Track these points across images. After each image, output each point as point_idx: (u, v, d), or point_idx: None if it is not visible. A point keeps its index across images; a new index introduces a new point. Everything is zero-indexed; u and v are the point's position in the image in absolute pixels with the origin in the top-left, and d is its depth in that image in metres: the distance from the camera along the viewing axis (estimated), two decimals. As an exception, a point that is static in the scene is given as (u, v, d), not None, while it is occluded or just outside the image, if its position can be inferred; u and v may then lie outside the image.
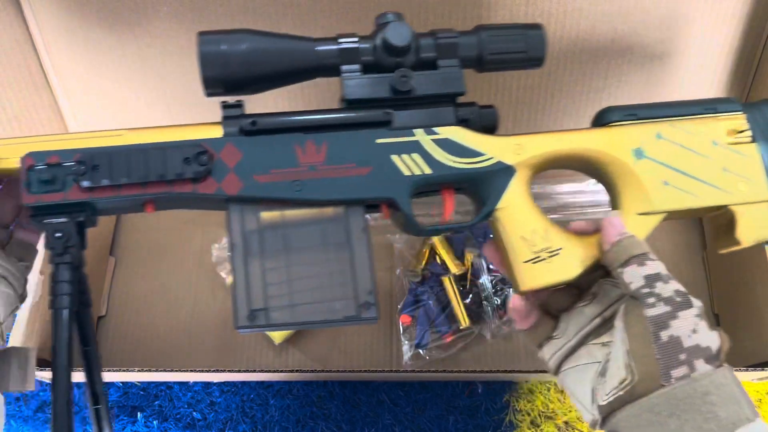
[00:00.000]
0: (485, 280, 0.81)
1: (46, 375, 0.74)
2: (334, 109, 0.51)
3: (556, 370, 0.50)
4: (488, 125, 0.52)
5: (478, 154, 0.50)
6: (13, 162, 0.47)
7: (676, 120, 0.52)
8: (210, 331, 0.85)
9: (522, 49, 0.51)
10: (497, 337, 0.81)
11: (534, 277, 0.50)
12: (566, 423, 0.79)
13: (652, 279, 0.44)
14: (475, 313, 0.81)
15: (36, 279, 0.74)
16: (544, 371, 0.73)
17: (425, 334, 0.81)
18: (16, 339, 0.71)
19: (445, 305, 0.81)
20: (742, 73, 0.73)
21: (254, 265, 0.48)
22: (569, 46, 0.70)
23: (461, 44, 0.50)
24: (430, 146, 0.50)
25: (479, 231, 0.85)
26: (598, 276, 0.50)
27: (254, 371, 0.72)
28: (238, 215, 0.48)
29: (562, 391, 0.81)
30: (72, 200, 0.46)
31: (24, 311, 0.73)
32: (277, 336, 0.82)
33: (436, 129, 0.50)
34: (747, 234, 0.52)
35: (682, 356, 0.41)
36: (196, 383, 0.83)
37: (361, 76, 0.50)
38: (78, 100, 0.76)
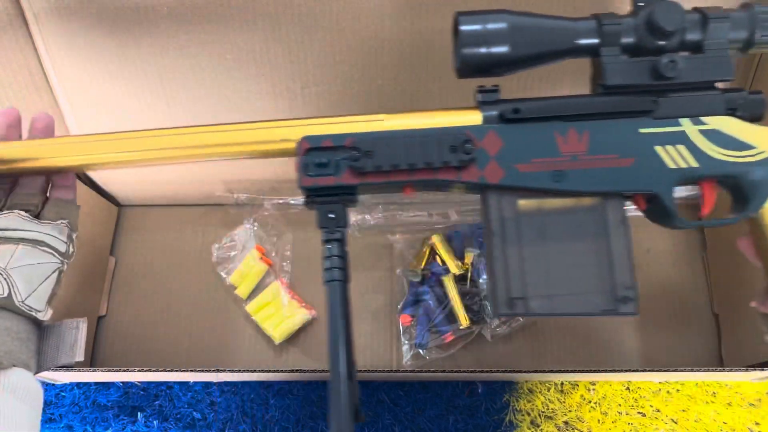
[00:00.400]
0: (485, 279, 0.81)
1: (47, 375, 0.74)
2: (591, 94, 0.49)
3: None
4: (756, 114, 0.48)
5: (749, 147, 0.47)
6: (291, 144, 0.49)
7: None
8: (210, 331, 0.85)
9: None
10: (497, 337, 0.81)
11: None
12: (566, 423, 0.79)
13: None
14: (475, 313, 0.81)
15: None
16: (544, 371, 0.73)
17: (425, 334, 0.81)
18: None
19: (445, 305, 0.81)
20: (742, 73, 0.73)
21: (512, 253, 0.47)
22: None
23: (731, 23, 0.47)
24: (697, 137, 0.47)
25: (479, 231, 0.85)
26: None
27: (254, 371, 0.72)
28: (496, 202, 0.48)
29: (561, 391, 0.81)
30: (345, 184, 0.48)
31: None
32: (277, 336, 0.82)
33: (703, 119, 0.47)
34: None
35: None
36: (196, 383, 0.83)
37: (621, 60, 0.47)
38: (78, 100, 0.75)
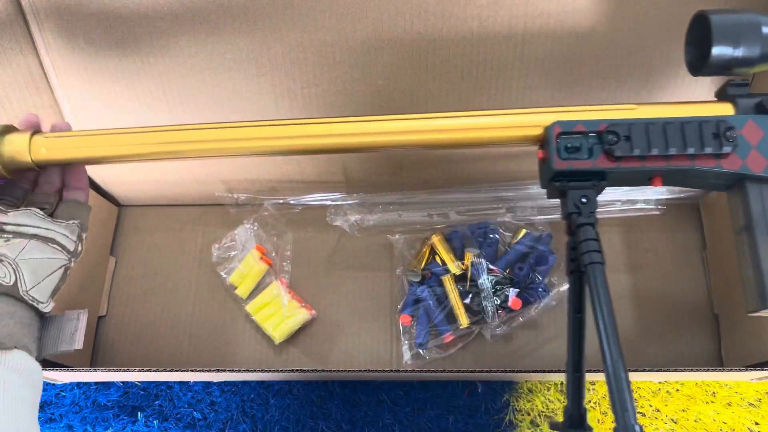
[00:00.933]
0: (485, 280, 0.81)
1: (47, 375, 0.74)
2: None
3: None
4: None
5: None
6: (538, 130, 0.50)
7: None
8: (210, 331, 0.85)
9: None
10: (497, 337, 0.81)
11: None
12: (566, 423, 0.79)
13: None
14: (475, 313, 0.81)
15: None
16: (544, 371, 0.73)
17: (425, 334, 0.81)
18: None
19: (445, 305, 0.81)
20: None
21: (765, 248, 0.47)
22: (569, 47, 0.70)
23: None
24: None
25: (479, 231, 0.85)
26: None
27: (254, 371, 0.72)
28: (758, 194, 0.47)
29: (561, 391, 0.81)
30: (599, 168, 0.48)
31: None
32: (277, 336, 0.82)
33: None
34: None
35: None
36: (196, 383, 0.83)
37: None
38: (78, 100, 0.76)
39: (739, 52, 0.47)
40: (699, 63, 0.49)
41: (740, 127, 0.48)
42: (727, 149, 0.47)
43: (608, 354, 0.44)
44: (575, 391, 0.52)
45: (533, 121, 0.50)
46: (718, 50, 0.47)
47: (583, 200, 0.48)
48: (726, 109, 0.49)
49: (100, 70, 0.72)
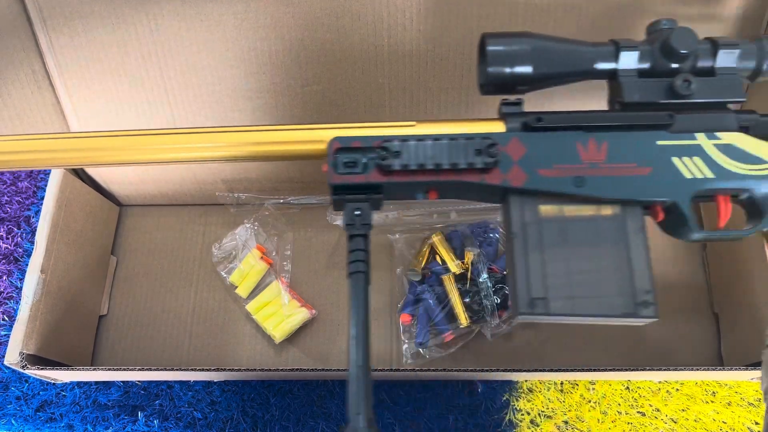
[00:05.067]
0: (485, 279, 0.81)
1: (48, 374, 0.74)
2: (611, 110, 0.52)
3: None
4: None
5: (762, 162, 0.49)
6: (322, 145, 0.51)
7: None
8: (210, 331, 0.85)
9: None
10: (497, 336, 0.81)
11: None
12: (566, 422, 0.79)
13: None
14: (475, 312, 0.81)
15: (36, 278, 0.74)
16: (544, 371, 0.73)
17: (425, 333, 0.81)
18: (16, 338, 0.72)
19: (445, 304, 0.81)
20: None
21: (533, 256, 0.49)
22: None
23: (741, 53, 0.50)
24: (712, 150, 0.49)
25: (479, 230, 0.85)
26: None
27: (254, 370, 0.72)
28: (518, 207, 0.50)
29: (561, 391, 0.81)
30: (372, 182, 0.50)
31: (25, 311, 0.73)
32: (278, 335, 0.82)
33: (718, 134, 0.50)
34: None
35: None
36: (196, 382, 0.83)
37: (639, 80, 0.51)
38: (80, 98, 0.76)
39: (513, 72, 0.50)
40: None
41: (504, 144, 0.50)
42: (489, 164, 0.49)
43: (354, 360, 0.47)
44: (365, 397, 0.49)
45: (317, 136, 0.52)
46: (493, 70, 0.50)
47: (357, 213, 0.50)
48: (499, 127, 0.51)
49: (102, 69, 0.73)
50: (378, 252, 0.88)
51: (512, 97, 0.52)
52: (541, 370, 0.73)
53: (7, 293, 0.90)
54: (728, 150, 0.49)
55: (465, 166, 0.49)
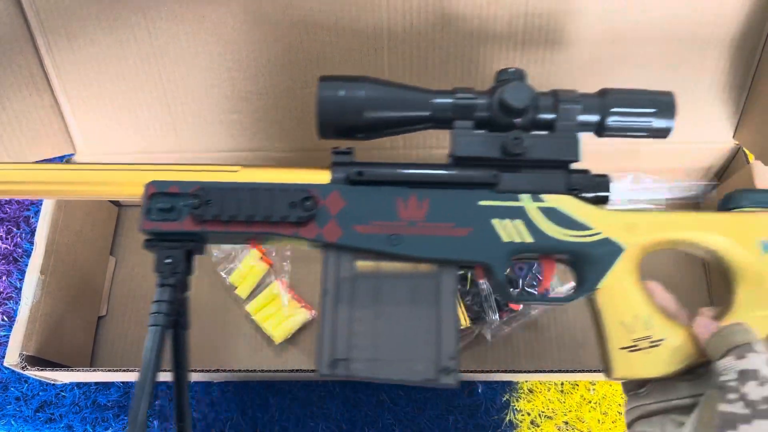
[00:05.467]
0: (486, 281, 0.81)
1: (47, 375, 0.74)
2: (441, 164, 0.50)
3: (629, 425, 0.48)
4: (601, 196, 0.49)
5: (586, 228, 0.48)
6: (136, 188, 0.49)
7: None
8: (210, 331, 0.85)
9: (648, 117, 0.49)
10: (497, 337, 0.81)
11: (629, 366, 0.47)
12: (566, 423, 0.79)
13: (746, 376, 0.40)
14: (476, 313, 0.81)
15: (36, 279, 0.74)
16: (544, 371, 0.73)
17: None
18: (16, 339, 0.71)
19: (445, 305, 0.81)
20: (742, 74, 0.73)
21: (343, 313, 0.48)
22: (569, 47, 0.70)
23: (583, 107, 0.48)
24: (535, 214, 0.48)
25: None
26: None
27: (254, 371, 0.72)
28: (335, 261, 0.49)
29: (562, 391, 0.81)
30: (186, 230, 0.48)
31: (24, 312, 0.73)
32: (277, 336, 0.82)
33: (543, 196, 0.48)
34: None
35: None
36: (196, 383, 0.83)
37: (472, 133, 0.49)
38: (78, 101, 0.76)
39: (344, 119, 0.48)
40: None
41: (325, 197, 0.48)
42: (303, 218, 0.48)
43: (138, 409, 0.47)
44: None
45: (135, 179, 0.49)
46: (324, 115, 0.48)
47: (168, 261, 0.48)
48: (325, 177, 0.49)
49: (101, 71, 0.72)
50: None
51: (344, 146, 0.50)
52: (541, 371, 0.73)
53: (6, 294, 0.90)
54: (551, 214, 0.48)
55: (278, 219, 0.48)
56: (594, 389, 0.81)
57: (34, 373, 0.73)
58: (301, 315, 0.83)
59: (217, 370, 0.73)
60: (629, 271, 0.48)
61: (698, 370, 0.46)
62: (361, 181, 0.49)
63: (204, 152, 0.79)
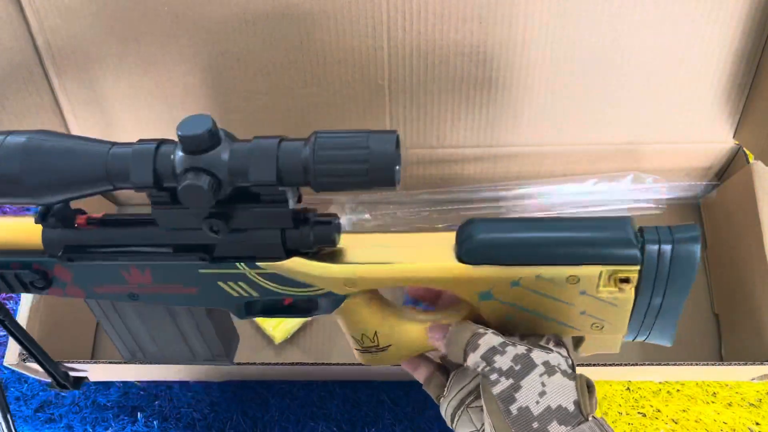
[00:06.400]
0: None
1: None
2: (156, 229, 0.45)
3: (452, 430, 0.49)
4: (324, 244, 0.46)
5: (307, 286, 0.47)
6: None
7: (546, 267, 0.43)
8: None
9: (364, 167, 0.38)
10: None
11: (364, 359, 0.54)
12: (566, 423, 0.79)
13: (489, 356, 0.42)
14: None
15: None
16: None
17: (425, 334, 0.80)
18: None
19: (445, 305, 0.81)
20: (742, 74, 0.73)
21: (120, 327, 0.53)
22: (567, 48, 0.70)
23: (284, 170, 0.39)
24: (255, 278, 0.47)
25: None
26: None
27: (254, 364, 0.72)
28: (93, 301, 0.52)
29: (562, 391, 0.81)
30: None
31: (24, 311, 0.73)
32: (277, 336, 0.82)
33: (260, 264, 0.46)
34: (588, 350, 0.50)
35: (534, 425, 0.40)
36: (196, 383, 0.83)
37: (171, 207, 0.43)
38: (78, 100, 0.76)
39: None
40: None
41: (51, 269, 0.48)
42: (43, 288, 0.49)
43: None
44: None
45: None
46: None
47: None
48: (39, 244, 0.47)
49: (101, 70, 0.72)
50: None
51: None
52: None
53: (6, 293, 0.90)
54: (272, 277, 0.47)
55: (27, 284, 0.49)
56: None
57: (34, 372, 0.73)
58: (301, 315, 0.83)
59: (217, 370, 0.73)
60: (356, 304, 0.49)
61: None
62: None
63: (204, 152, 0.79)
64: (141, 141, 0.41)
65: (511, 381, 0.41)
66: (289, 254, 0.46)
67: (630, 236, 0.42)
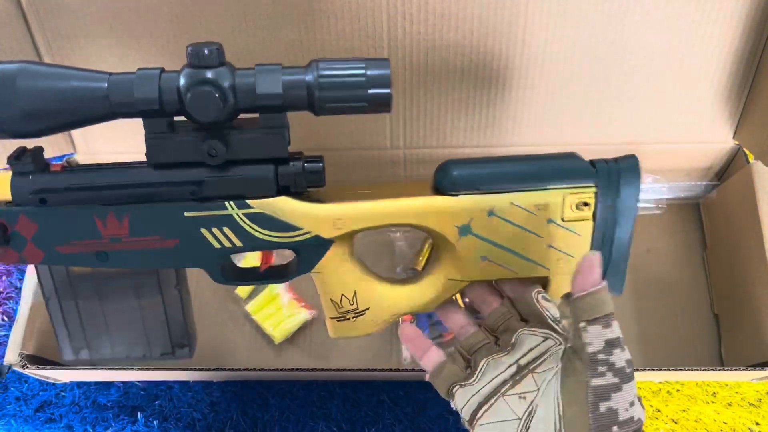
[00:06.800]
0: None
1: (47, 374, 0.74)
2: (142, 169, 0.45)
3: (471, 421, 0.47)
4: (314, 183, 0.47)
5: (294, 229, 0.47)
6: None
7: (518, 194, 0.48)
8: (210, 331, 0.85)
9: (363, 88, 0.42)
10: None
11: (338, 331, 0.54)
12: (566, 423, 0.79)
13: (611, 345, 0.41)
14: (475, 311, 0.80)
15: (36, 279, 0.74)
16: (544, 371, 0.73)
17: (425, 332, 0.80)
18: (16, 339, 0.71)
19: (445, 305, 0.81)
20: (742, 74, 0.73)
21: (70, 314, 0.50)
22: (567, 48, 0.70)
23: (286, 95, 0.42)
24: (242, 221, 0.46)
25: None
26: (516, 324, 0.49)
27: (254, 369, 0.72)
28: (46, 271, 0.49)
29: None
30: None
31: (24, 311, 0.73)
32: (277, 336, 0.82)
33: (250, 202, 0.46)
34: (555, 293, 0.52)
35: (615, 428, 0.40)
36: (196, 383, 0.83)
37: (167, 137, 0.43)
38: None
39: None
40: None
41: (14, 222, 0.45)
42: None
43: None
44: None
45: None
46: None
47: None
48: (6, 192, 0.45)
49: (99, 65, 0.72)
50: (378, 251, 0.88)
51: (16, 151, 0.45)
52: (541, 371, 0.73)
53: (6, 293, 0.90)
54: (259, 219, 0.46)
55: None
56: (594, 389, 0.81)
57: (34, 373, 0.73)
58: (301, 315, 0.83)
59: (217, 370, 0.73)
60: (339, 256, 0.50)
61: (505, 338, 0.49)
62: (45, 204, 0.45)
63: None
64: (141, 69, 0.42)
65: (616, 380, 0.41)
66: (278, 194, 0.47)
67: (586, 164, 0.49)
